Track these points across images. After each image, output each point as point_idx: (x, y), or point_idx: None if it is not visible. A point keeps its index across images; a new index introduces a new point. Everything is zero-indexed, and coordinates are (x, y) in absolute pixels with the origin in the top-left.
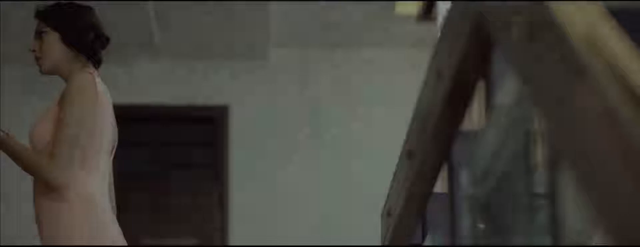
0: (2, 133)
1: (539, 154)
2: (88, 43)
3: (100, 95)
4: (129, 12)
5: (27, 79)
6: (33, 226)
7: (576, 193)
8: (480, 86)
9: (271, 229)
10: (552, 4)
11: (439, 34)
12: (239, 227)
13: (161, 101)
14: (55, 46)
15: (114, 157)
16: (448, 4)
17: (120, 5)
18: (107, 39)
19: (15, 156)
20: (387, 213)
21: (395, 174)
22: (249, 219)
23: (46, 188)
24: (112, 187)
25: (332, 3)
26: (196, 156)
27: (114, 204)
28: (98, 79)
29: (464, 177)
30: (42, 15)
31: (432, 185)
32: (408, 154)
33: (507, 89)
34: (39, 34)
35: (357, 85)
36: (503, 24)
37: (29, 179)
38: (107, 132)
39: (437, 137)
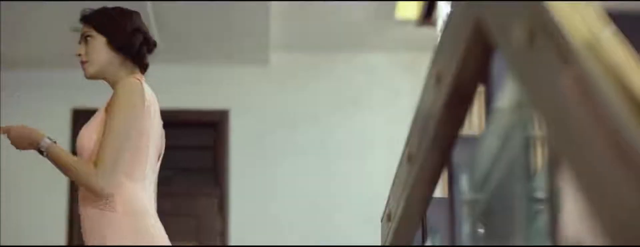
0: (48, 141)
1: (539, 158)
2: (136, 47)
3: (148, 101)
4: None
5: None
6: (33, 226)
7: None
8: (480, 90)
9: (271, 233)
10: (552, 8)
11: (439, 38)
12: (238, 231)
13: (161, 105)
14: (101, 50)
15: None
16: (448, 8)
17: None
18: (155, 43)
19: (61, 163)
20: (387, 217)
21: (395, 178)
22: (249, 223)
23: (91, 195)
24: (155, 192)
25: (332, 7)
26: (196, 159)
27: (155, 209)
28: (146, 85)
29: (464, 181)
30: (88, 19)
31: (432, 189)
32: (408, 157)
33: (507, 93)
34: (84, 38)
35: (358, 89)
36: (503, 27)
37: (29, 180)
38: (154, 139)
39: (437, 141)
